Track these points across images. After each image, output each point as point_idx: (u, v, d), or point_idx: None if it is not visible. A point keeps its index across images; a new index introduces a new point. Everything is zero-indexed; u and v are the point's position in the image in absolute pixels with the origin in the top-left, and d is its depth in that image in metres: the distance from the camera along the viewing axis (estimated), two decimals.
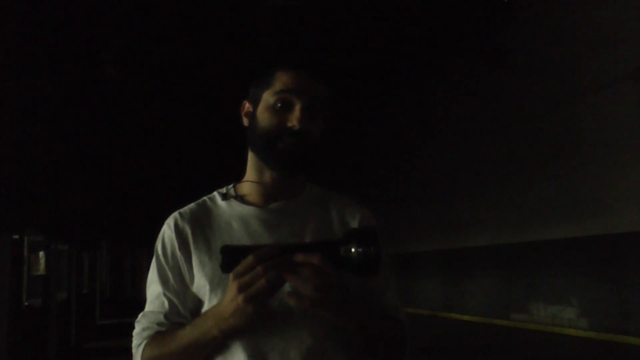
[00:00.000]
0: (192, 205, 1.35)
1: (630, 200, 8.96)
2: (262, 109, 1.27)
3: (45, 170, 8.70)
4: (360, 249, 1.12)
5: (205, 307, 1.26)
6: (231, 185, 1.37)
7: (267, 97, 1.27)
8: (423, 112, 15.84)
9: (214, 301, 1.22)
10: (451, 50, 12.79)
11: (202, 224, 1.30)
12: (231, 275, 1.09)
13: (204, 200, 1.36)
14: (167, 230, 1.31)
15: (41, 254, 8.74)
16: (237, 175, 1.41)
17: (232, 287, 1.09)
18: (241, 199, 1.33)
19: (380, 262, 1.14)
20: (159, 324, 1.27)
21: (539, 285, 11.16)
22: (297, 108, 1.24)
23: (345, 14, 10.44)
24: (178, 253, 1.28)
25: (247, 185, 1.33)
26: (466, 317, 13.63)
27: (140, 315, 1.32)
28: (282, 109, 1.25)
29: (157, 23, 9.96)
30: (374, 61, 12.66)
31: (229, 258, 1.13)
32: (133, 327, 1.31)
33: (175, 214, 1.33)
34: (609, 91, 9.33)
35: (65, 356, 9.97)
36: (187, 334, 1.20)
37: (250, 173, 1.34)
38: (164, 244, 1.31)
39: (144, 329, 1.28)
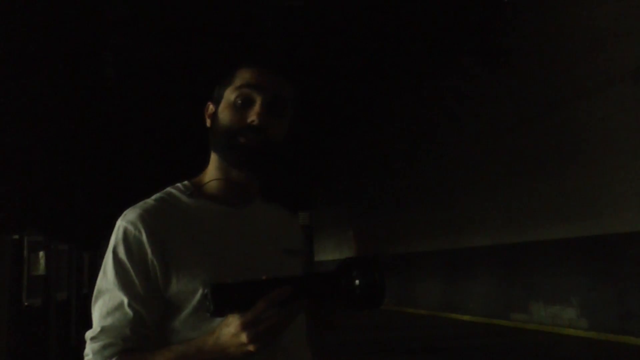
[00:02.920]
0: (150, 202, 1.22)
1: (630, 200, 8.95)
2: (223, 106, 1.24)
3: (45, 170, 8.70)
4: (363, 280, 1.04)
5: (184, 317, 1.15)
6: (187, 182, 1.30)
7: (228, 95, 1.24)
8: (423, 112, 15.83)
9: (199, 313, 1.12)
10: (451, 51, 12.79)
11: (174, 225, 1.18)
12: (238, 324, 0.99)
13: (163, 198, 1.24)
14: (132, 231, 1.16)
15: (41, 254, 8.72)
16: None
17: (241, 336, 0.99)
18: (208, 196, 1.27)
19: (385, 292, 1.06)
20: (124, 340, 1.11)
21: (539, 285, 11.15)
22: (258, 103, 1.21)
23: (345, 14, 10.44)
24: (150, 257, 1.14)
25: (214, 183, 1.28)
26: (466, 317, 13.62)
27: (95, 331, 1.13)
28: (242, 105, 1.22)
29: (157, 24, 9.95)
30: (374, 62, 12.66)
31: (221, 298, 0.99)
32: None
33: (139, 212, 1.18)
34: (609, 91, 9.33)
35: (65, 356, 9.96)
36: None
37: (215, 171, 1.28)
38: (128, 246, 1.15)
39: (105, 347, 1.11)
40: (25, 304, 7.45)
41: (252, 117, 1.20)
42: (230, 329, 1.01)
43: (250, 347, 1.00)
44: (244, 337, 0.99)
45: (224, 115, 1.23)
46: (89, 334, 1.14)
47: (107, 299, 1.14)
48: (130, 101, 13.07)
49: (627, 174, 9.01)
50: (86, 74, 10.06)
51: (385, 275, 1.06)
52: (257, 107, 1.20)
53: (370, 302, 1.06)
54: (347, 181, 21.03)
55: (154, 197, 1.25)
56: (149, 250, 1.15)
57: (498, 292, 12.58)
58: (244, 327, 0.99)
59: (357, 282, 1.05)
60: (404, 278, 16.68)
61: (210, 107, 1.29)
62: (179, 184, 1.30)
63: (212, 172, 1.29)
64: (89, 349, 1.13)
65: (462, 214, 13.94)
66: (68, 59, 9.10)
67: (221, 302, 0.99)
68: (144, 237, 1.15)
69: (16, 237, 6.60)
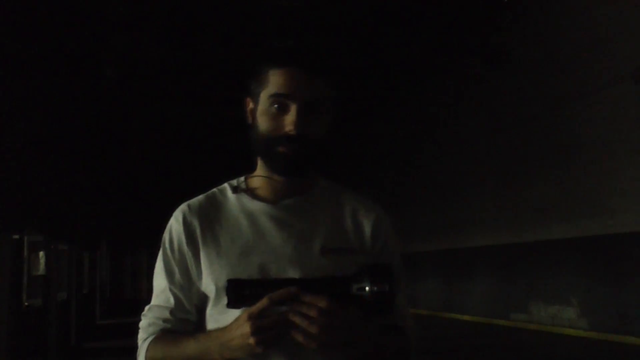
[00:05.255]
0: (201, 197, 1.31)
1: (630, 200, 8.96)
2: (260, 110, 1.23)
3: (45, 170, 8.70)
4: (374, 288, 1.08)
5: (209, 308, 1.24)
6: (242, 178, 1.33)
7: (263, 99, 1.22)
8: (423, 112, 15.84)
9: (219, 306, 1.21)
10: (452, 51, 12.79)
11: (211, 219, 1.26)
12: (245, 315, 1.08)
13: (214, 193, 1.32)
14: (175, 224, 1.27)
15: (41, 254, 8.71)
16: (235, 176, 1.38)
17: (245, 326, 1.08)
18: (252, 193, 1.29)
19: (394, 300, 1.11)
20: (164, 320, 1.26)
21: (539, 285, 11.16)
22: (293, 112, 1.18)
23: (345, 14, 10.44)
24: (185, 248, 1.25)
25: (258, 180, 1.30)
26: (466, 317, 13.63)
27: (147, 307, 1.30)
28: (278, 111, 1.20)
29: (157, 24, 9.95)
30: (374, 62, 12.66)
31: (235, 292, 1.10)
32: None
33: (184, 207, 1.29)
34: (609, 91, 9.33)
35: (65, 356, 9.96)
36: (190, 347, 1.18)
37: (261, 168, 1.30)
38: (171, 237, 1.27)
39: (149, 324, 1.27)
40: (25, 304, 7.45)
41: (289, 126, 1.18)
42: (238, 321, 1.10)
43: (251, 340, 1.07)
44: (247, 328, 1.07)
45: (262, 121, 1.22)
46: (145, 308, 1.30)
47: (158, 282, 1.29)
48: (130, 102, 13.07)
49: (627, 174, 9.01)
50: (86, 75, 10.06)
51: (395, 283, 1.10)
52: (292, 116, 1.18)
53: (379, 309, 1.10)
54: (346, 182, 21.02)
55: (208, 192, 1.33)
56: (184, 241, 1.26)
57: (498, 292, 12.58)
58: (248, 318, 1.08)
59: (367, 289, 1.09)
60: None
61: (250, 104, 1.28)
62: (234, 180, 1.34)
63: (258, 169, 1.31)
64: (142, 322, 1.29)
65: (462, 214, 13.94)
66: (68, 59, 9.10)
67: (235, 296, 1.11)
68: (182, 229, 1.26)
69: (16, 237, 6.59)
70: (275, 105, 1.20)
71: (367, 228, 1.30)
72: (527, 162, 11.46)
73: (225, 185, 1.33)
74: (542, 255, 11.05)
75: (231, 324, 1.12)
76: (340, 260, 1.22)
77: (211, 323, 1.23)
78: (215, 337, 1.15)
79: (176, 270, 1.26)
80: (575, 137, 10.13)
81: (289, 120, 1.19)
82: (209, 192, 1.32)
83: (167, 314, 1.25)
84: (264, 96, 1.23)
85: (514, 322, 11.78)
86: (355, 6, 10.24)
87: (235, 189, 1.30)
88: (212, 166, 17.58)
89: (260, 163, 1.30)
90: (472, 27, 11.80)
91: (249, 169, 1.35)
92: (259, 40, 10.12)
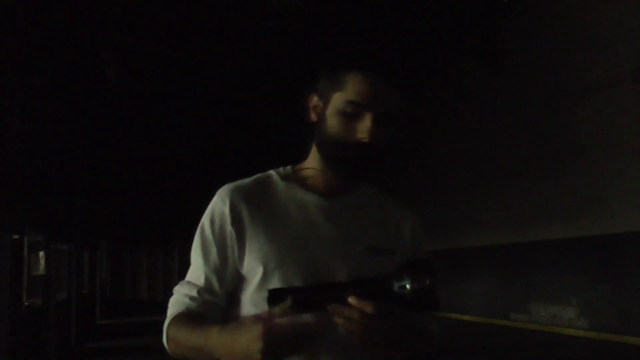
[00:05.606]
0: (247, 180, 1.29)
1: (630, 200, 8.96)
2: (331, 111, 1.21)
3: (45, 170, 8.71)
4: (415, 284, 1.07)
5: (252, 292, 1.20)
6: (289, 167, 1.32)
7: (338, 101, 1.20)
8: (423, 112, 15.82)
9: (263, 290, 1.17)
10: (451, 51, 12.79)
11: (260, 203, 1.24)
12: (261, 332, 1.02)
13: (261, 177, 1.30)
14: (219, 203, 1.24)
15: (41, 254, 8.72)
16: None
17: (256, 344, 1.03)
18: (302, 183, 1.28)
19: (436, 296, 1.10)
20: (190, 298, 1.23)
21: (539, 285, 11.16)
22: (368, 120, 1.18)
23: (345, 14, 10.44)
24: (229, 228, 1.22)
25: (310, 171, 1.29)
26: (466, 317, 13.63)
27: (180, 283, 1.28)
28: (352, 115, 1.19)
29: (159, 23, 9.95)
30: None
31: (277, 301, 1.07)
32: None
33: (231, 187, 1.26)
34: (609, 91, 9.33)
35: (65, 356, 9.96)
36: (193, 338, 1.17)
37: (314, 160, 1.29)
38: (212, 217, 1.24)
39: (176, 301, 1.26)
40: (25, 304, 7.46)
41: (363, 133, 1.17)
42: (251, 333, 1.04)
43: (258, 357, 1.03)
44: (257, 346, 1.02)
45: (333, 122, 1.21)
46: (178, 285, 1.27)
47: (193, 259, 1.27)
48: (130, 102, 13.07)
49: (627, 174, 9.02)
50: (87, 74, 10.07)
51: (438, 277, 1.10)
52: (367, 124, 1.18)
53: (422, 306, 1.09)
54: None
55: (254, 176, 1.30)
56: (228, 221, 1.22)
57: (498, 292, 12.59)
58: (263, 337, 1.02)
59: (408, 286, 1.07)
60: None
61: (315, 100, 1.27)
62: (281, 168, 1.32)
63: (311, 161, 1.30)
64: (172, 297, 1.27)
65: (462, 214, 13.94)
66: (68, 59, 9.11)
67: (277, 303, 1.07)
68: (227, 209, 1.22)
69: (16, 237, 6.60)
70: (349, 110, 1.19)
71: (407, 233, 1.33)
72: (527, 162, 11.46)
73: (271, 172, 1.31)
74: (542, 255, 11.05)
75: (240, 326, 1.08)
76: (383, 261, 1.22)
77: (250, 306, 1.20)
78: (216, 333, 1.11)
79: (213, 250, 1.23)
80: (575, 137, 10.14)
81: (364, 127, 1.18)
82: (255, 176, 1.30)
83: (194, 293, 1.23)
84: (338, 98, 1.21)
85: (514, 322, 11.78)
86: (355, 6, 10.23)
87: (285, 177, 1.29)
88: (212, 167, 17.58)
89: (314, 155, 1.29)
90: (472, 27, 11.79)
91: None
92: (269, 40, 10.11)
